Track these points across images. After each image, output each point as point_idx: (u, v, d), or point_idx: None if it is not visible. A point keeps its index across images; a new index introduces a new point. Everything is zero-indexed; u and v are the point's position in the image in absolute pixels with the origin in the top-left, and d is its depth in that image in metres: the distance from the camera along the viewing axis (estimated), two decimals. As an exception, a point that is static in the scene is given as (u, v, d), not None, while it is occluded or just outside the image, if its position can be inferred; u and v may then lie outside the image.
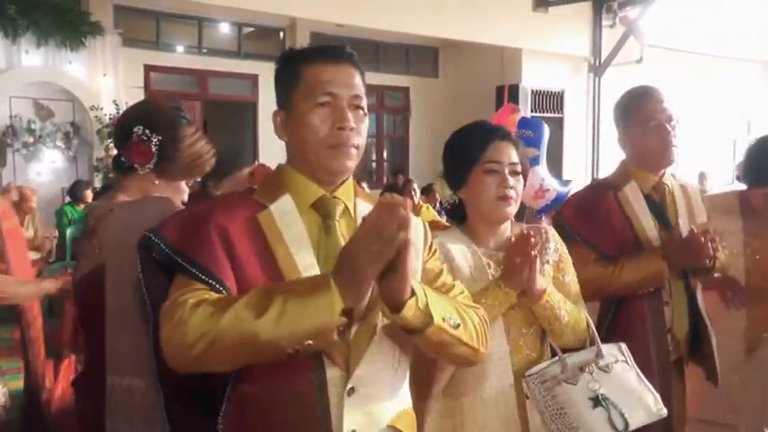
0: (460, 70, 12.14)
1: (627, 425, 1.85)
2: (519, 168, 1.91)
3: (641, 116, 2.42)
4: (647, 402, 1.92)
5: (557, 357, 1.91)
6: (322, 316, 1.21)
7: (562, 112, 11.83)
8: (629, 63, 11.02)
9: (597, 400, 1.85)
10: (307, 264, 1.38)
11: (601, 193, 2.48)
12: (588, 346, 1.96)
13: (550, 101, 11.72)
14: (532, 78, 11.29)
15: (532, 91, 11.35)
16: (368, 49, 11.19)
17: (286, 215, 1.42)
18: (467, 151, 1.93)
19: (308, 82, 1.43)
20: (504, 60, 11.06)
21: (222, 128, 11.44)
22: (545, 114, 11.41)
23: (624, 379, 1.93)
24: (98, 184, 8.34)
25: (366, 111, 1.48)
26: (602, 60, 11.67)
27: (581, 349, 1.95)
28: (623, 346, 2.01)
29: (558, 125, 11.72)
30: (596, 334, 1.98)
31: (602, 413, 1.83)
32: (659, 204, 2.46)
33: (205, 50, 10.47)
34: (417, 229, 1.53)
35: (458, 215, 2.01)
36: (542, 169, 6.44)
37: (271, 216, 1.41)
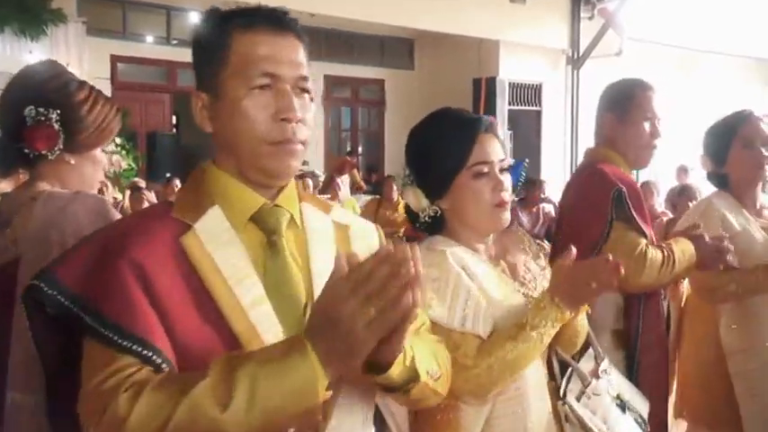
0: (437, 62, 11.93)
1: (645, 422, 1.76)
2: (506, 164, 1.63)
3: (643, 106, 2.31)
4: (640, 395, 1.84)
5: (569, 370, 1.68)
6: (301, 401, 0.95)
7: (540, 105, 11.67)
8: (608, 56, 10.88)
9: (623, 406, 1.72)
10: (253, 297, 1.09)
11: (627, 175, 2.31)
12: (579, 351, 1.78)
13: (528, 94, 11.55)
14: (510, 71, 11.10)
15: (510, 83, 11.17)
16: (342, 41, 10.84)
17: (217, 235, 1.11)
18: (447, 153, 1.60)
19: (240, 56, 1.13)
20: (482, 52, 10.89)
21: (193, 121, 11.13)
22: (523, 107, 11.30)
23: (621, 377, 1.83)
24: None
25: (312, 95, 1.19)
26: (581, 53, 11.51)
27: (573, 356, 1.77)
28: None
29: (535, 118, 11.62)
30: (593, 335, 1.78)
31: (630, 415, 1.72)
32: None
33: (174, 41, 10.12)
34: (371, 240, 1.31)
35: (433, 228, 1.68)
36: None
37: (197, 239, 1.10)
